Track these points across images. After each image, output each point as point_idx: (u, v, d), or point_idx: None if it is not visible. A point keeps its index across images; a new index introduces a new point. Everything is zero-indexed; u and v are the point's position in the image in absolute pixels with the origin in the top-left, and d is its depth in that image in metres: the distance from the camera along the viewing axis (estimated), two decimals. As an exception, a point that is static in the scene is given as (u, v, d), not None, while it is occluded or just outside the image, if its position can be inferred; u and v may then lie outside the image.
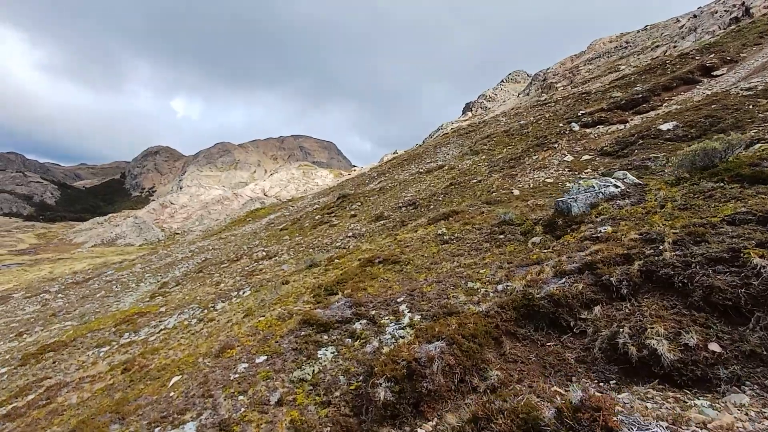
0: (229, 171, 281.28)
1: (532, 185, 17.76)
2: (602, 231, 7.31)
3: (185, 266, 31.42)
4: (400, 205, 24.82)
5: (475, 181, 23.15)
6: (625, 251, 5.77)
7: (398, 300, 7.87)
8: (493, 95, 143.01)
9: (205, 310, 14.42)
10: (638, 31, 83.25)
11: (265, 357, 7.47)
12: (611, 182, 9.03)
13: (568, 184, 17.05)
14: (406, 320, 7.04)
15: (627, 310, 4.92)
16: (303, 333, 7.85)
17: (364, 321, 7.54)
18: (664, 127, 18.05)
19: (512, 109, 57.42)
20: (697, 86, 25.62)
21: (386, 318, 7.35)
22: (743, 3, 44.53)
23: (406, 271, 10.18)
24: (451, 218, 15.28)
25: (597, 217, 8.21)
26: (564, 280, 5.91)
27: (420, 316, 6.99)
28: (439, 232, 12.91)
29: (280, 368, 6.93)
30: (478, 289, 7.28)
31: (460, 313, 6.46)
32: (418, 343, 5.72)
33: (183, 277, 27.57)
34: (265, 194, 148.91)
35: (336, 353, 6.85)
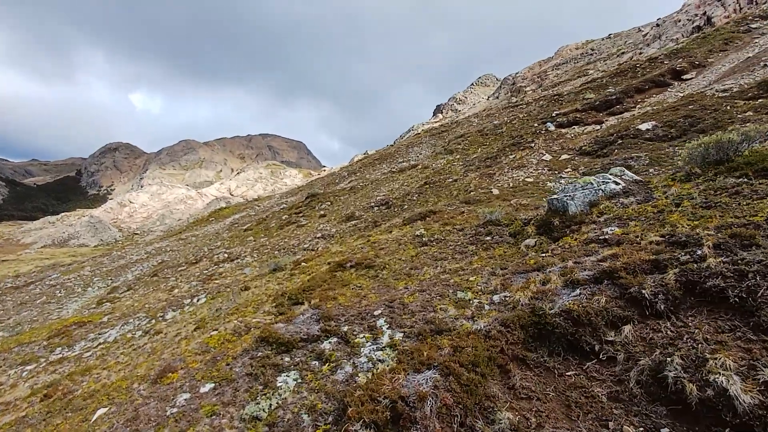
0: (193, 169, 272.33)
1: (511, 184, 16.94)
2: (609, 232, 6.37)
3: (139, 269, 29.08)
4: (372, 204, 23.63)
5: (450, 180, 22.24)
6: (652, 257, 4.78)
7: (375, 313, 6.67)
8: (463, 98, 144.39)
9: (153, 321, 12.75)
10: (603, 39, 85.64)
11: (213, 385, 6.10)
12: (610, 179, 8.15)
13: (549, 184, 16.36)
14: (385, 339, 5.84)
15: (669, 332, 3.90)
16: (260, 353, 6.52)
17: (335, 339, 6.29)
18: (643, 126, 17.67)
19: (484, 110, 57.33)
20: (668, 89, 25.72)
21: (361, 336, 6.13)
22: (704, 13, 45.93)
23: (382, 278, 8.99)
24: (428, 218, 14.22)
25: (599, 216, 7.28)
26: (578, 291, 4.87)
27: (402, 334, 5.81)
28: (417, 233, 11.80)
29: (230, 400, 5.59)
30: (470, 300, 6.18)
31: (451, 331, 5.33)
32: (404, 372, 4.54)
33: (136, 281, 25.38)
34: (231, 194, 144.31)
35: (300, 381, 5.58)
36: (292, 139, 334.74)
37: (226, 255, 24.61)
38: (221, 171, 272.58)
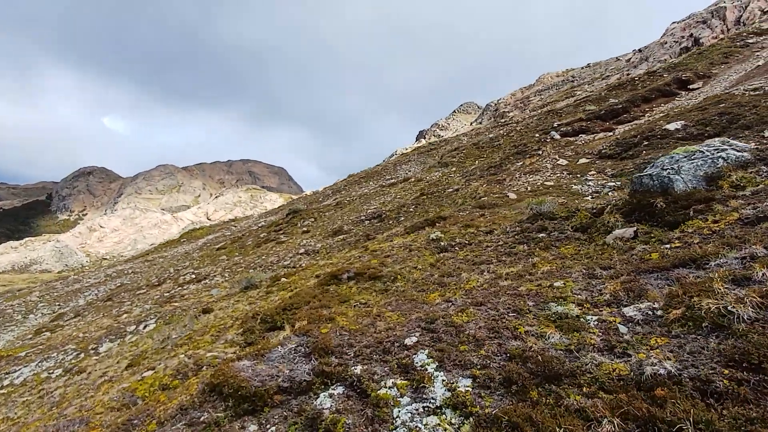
0: (171, 194, 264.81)
1: (529, 188, 14.59)
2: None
3: (93, 293, 25.44)
4: (363, 218, 20.99)
5: (451, 190, 19.84)
6: None
7: (407, 342, 3.93)
8: (446, 124, 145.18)
9: (82, 355, 9.63)
10: (582, 68, 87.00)
11: (109, 482, 3.22)
12: (726, 147, 5.75)
13: (575, 186, 14.06)
14: (438, 390, 3.11)
15: None
16: (206, 416, 3.69)
17: (340, 390, 3.52)
18: (671, 126, 15.76)
19: (472, 130, 55.99)
20: (676, 98, 24.28)
21: (389, 384, 3.38)
22: (691, 35, 46.01)
23: (397, 291, 6.27)
24: (438, 224, 11.63)
25: (736, 190, 4.83)
26: None
27: (470, 381, 3.10)
28: (432, 236, 9.16)
29: None
30: (578, 317, 3.52)
31: (581, 377, 2.66)
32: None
33: (86, 307, 21.82)
34: (208, 218, 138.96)
35: (274, 480, 2.77)
36: (273, 165, 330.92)
37: (193, 276, 21.42)
38: (200, 196, 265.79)
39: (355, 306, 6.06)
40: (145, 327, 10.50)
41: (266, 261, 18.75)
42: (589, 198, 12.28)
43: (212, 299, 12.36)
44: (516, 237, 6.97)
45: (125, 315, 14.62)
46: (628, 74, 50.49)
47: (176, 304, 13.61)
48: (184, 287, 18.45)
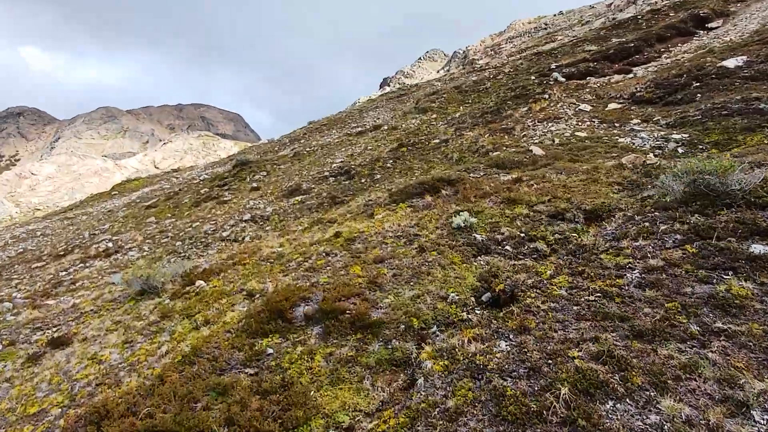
0: (115, 139, 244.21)
1: (556, 141, 10.76)
2: None
3: (-16, 263, 20.13)
4: (327, 174, 16.70)
5: (437, 141, 15.77)
6: None
7: None
8: (411, 72, 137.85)
9: None
10: (555, 15, 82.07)
11: None
12: None
13: (620, 139, 10.29)
14: None
15: None
16: None
17: None
18: (730, 63, 12.25)
19: (445, 75, 51.23)
20: (695, 38, 20.84)
21: None
22: (685, -25, 42.26)
23: (435, 405, 2.34)
24: (445, 190, 7.67)
25: None
26: None
27: None
28: (458, 222, 5.20)
29: None
30: None
31: None
32: None
33: (-35, 285, 16.74)
34: (156, 166, 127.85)
35: None
36: (229, 111, 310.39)
37: (109, 244, 16.68)
38: (147, 142, 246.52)
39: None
40: (-42, 365, 6.19)
41: (200, 229, 14.32)
42: (652, 156, 8.68)
43: (100, 300, 8.06)
44: (692, 252, 3.11)
45: (-22, 316, 10.04)
46: (614, 18, 46.60)
47: (50, 302, 9.17)
48: (87, 264, 13.84)
